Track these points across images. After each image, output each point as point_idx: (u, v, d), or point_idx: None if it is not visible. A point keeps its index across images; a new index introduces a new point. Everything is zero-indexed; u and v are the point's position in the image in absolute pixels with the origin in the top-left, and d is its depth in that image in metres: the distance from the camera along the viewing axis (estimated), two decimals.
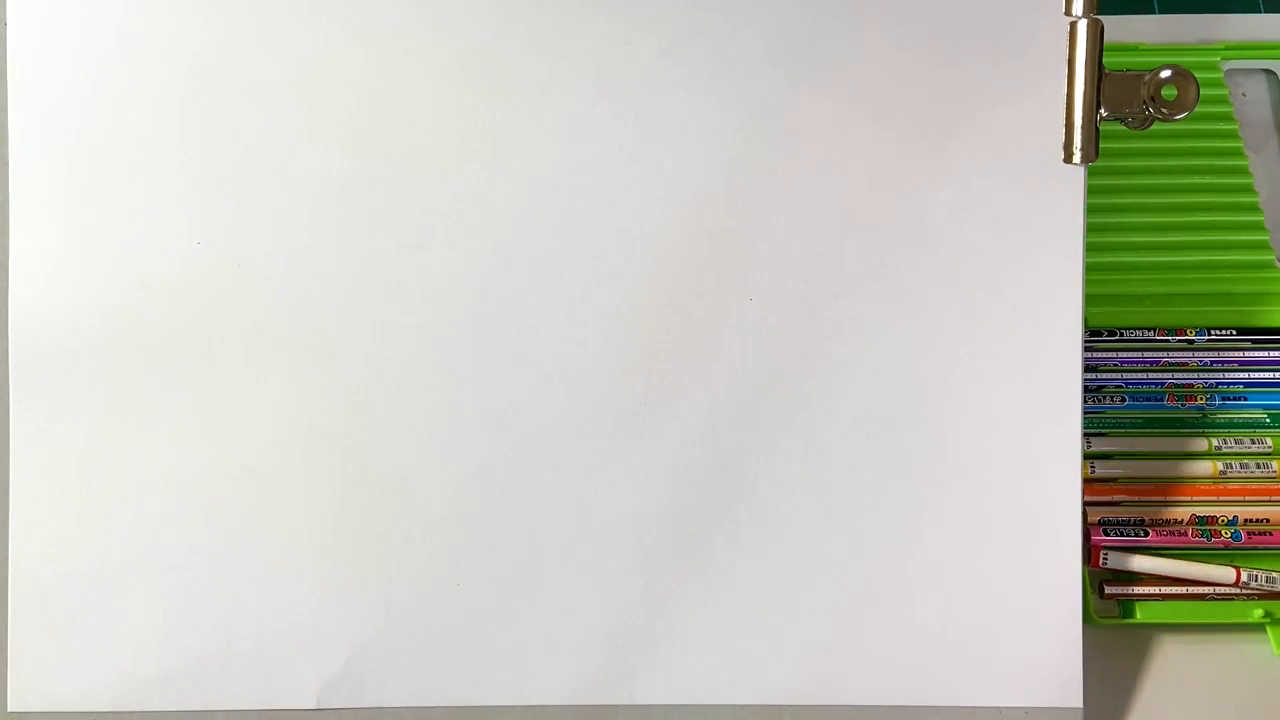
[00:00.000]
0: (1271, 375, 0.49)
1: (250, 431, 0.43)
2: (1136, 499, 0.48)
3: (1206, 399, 0.49)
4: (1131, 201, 0.53)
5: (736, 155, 0.43)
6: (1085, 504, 0.44)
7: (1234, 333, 0.50)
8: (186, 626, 0.43)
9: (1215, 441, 0.48)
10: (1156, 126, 0.42)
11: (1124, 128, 0.42)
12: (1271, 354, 0.50)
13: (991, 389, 0.43)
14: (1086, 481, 0.46)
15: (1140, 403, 0.49)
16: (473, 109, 0.43)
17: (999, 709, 0.43)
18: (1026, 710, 0.43)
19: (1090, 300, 0.44)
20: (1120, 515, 0.48)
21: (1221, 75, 0.52)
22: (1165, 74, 0.42)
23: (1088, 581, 0.45)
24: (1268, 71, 0.54)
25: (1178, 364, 0.49)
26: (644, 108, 0.43)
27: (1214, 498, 0.48)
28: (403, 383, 0.43)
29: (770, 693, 0.43)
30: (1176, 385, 0.49)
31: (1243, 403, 0.49)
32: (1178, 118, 0.41)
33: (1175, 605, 0.46)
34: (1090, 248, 0.43)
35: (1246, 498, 0.47)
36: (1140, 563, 0.46)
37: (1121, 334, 0.50)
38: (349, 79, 0.43)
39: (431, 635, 0.43)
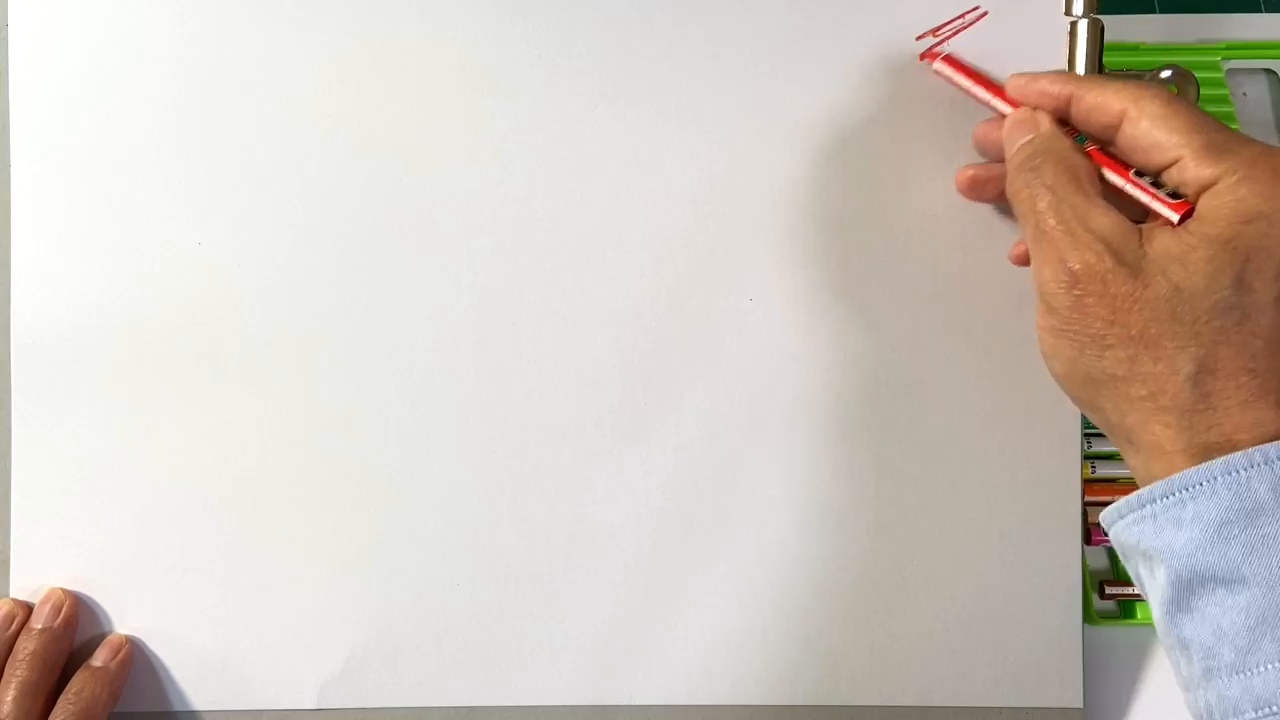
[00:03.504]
0: None
1: (250, 431, 0.43)
2: None
3: None
4: None
5: (737, 155, 0.43)
6: (1085, 504, 0.44)
7: None
8: (186, 626, 0.43)
9: None
10: None
11: None
12: None
13: (991, 389, 0.43)
14: (1086, 481, 0.46)
15: None
16: (473, 109, 0.43)
17: (999, 709, 0.43)
18: (1026, 710, 0.43)
19: None
20: None
21: (1222, 75, 0.52)
22: (1165, 73, 0.42)
23: (1088, 581, 0.45)
24: (1268, 71, 0.54)
25: None
26: (644, 108, 0.43)
27: None
28: (403, 382, 0.43)
29: (770, 693, 0.43)
30: None
31: None
32: None
33: None
34: None
35: None
36: None
37: None
38: (349, 79, 0.43)
39: (431, 635, 0.43)
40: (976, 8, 0.42)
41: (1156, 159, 0.35)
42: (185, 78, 0.43)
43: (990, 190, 0.41)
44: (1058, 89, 0.37)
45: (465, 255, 0.43)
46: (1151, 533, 0.32)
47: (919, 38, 0.42)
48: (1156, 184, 0.35)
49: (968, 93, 0.41)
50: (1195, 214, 0.33)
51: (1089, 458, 0.48)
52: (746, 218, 0.43)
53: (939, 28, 0.42)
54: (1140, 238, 0.34)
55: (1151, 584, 0.34)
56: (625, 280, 0.43)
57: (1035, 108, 0.38)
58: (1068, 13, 0.42)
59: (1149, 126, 0.35)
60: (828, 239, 0.43)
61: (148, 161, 0.43)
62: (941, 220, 0.43)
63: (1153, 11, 0.56)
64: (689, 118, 0.43)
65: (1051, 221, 0.34)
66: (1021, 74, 0.39)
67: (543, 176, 0.43)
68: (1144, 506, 0.33)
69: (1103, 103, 0.36)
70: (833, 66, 0.43)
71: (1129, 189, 0.36)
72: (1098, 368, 0.33)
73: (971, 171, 0.41)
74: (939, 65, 0.41)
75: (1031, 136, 0.37)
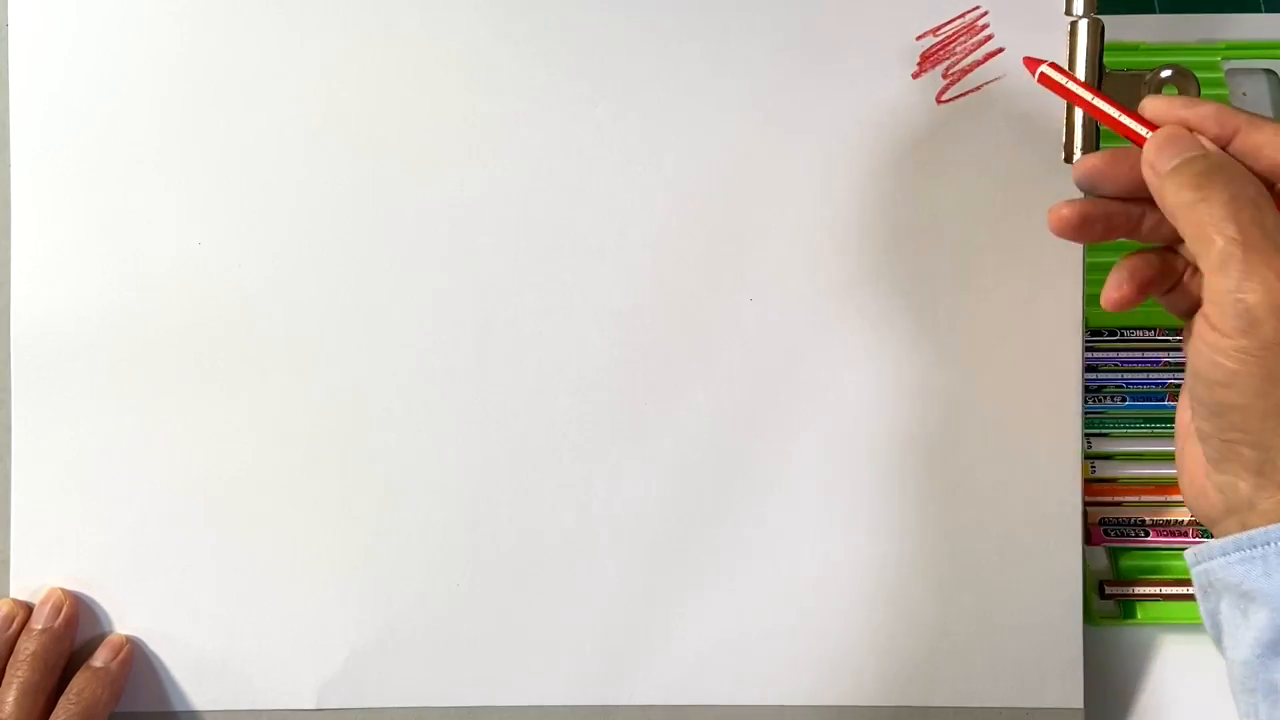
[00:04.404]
0: None
1: (250, 432, 0.43)
2: (1136, 499, 0.48)
3: None
4: None
5: (736, 155, 0.43)
6: (1085, 504, 0.44)
7: None
8: (187, 626, 0.43)
9: None
10: None
11: None
12: None
13: (991, 389, 0.43)
14: (1086, 481, 0.46)
15: (1140, 403, 0.49)
16: (473, 109, 0.43)
17: (999, 709, 0.43)
18: (1026, 710, 0.43)
19: (1090, 300, 0.44)
20: (1120, 515, 0.48)
21: (1222, 75, 0.52)
22: (1166, 73, 0.42)
23: (1088, 581, 0.45)
24: (1268, 71, 0.54)
25: (1178, 364, 0.49)
26: (644, 108, 0.43)
27: None
28: (403, 383, 0.43)
29: (770, 693, 0.43)
30: (1177, 385, 0.49)
31: None
32: None
33: (1175, 605, 0.46)
34: (1090, 247, 0.43)
35: None
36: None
37: (1122, 334, 0.50)
38: (349, 80, 0.43)
39: (431, 635, 0.43)
40: (977, 7, 0.42)
41: None
42: (185, 78, 0.43)
43: (1099, 229, 0.37)
44: (1225, 118, 0.34)
45: (465, 255, 0.43)
46: (1260, 574, 0.31)
47: (919, 37, 0.42)
48: None
49: (1080, 102, 0.38)
50: None
51: (1089, 458, 0.48)
52: (746, 218, 0.43)
53: (939, 27, 0.42)
54: None
55: (1242, 624, 0.33)
56: (625, 280, 0.43)
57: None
58: (1068, 13, 0.42)
59: None
60: (828, 239, 0.43)
61: (148, 161, 0.43)
62: (941, 220, 0.43)
63: (1153, 11, 0.56)
64: (689, 118, 0.43)
65: (1258, 234, 0.31)
66: (1164, 97, 0.36)
67: (543, 176, 0.43)
68: (1256, 547, 0.32)
69: (1277, 141, 0.33)
70: (833, 67, 0.43)
71: None
72: None
73: (1082, 208, 0.36)
74: (1048, 70, 0.38)
75: (1202, 153, 0.34)
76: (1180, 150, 0.34)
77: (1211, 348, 0.32)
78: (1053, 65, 0.38)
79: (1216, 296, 0.32)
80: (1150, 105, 0.36)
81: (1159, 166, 0.34)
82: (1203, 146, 0.34)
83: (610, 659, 0.43)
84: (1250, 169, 0.34)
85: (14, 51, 0.43)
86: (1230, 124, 0.34)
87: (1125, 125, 0.36)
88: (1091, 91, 0.37)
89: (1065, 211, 0.37)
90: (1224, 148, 0.34)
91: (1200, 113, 0.35)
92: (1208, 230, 0.32)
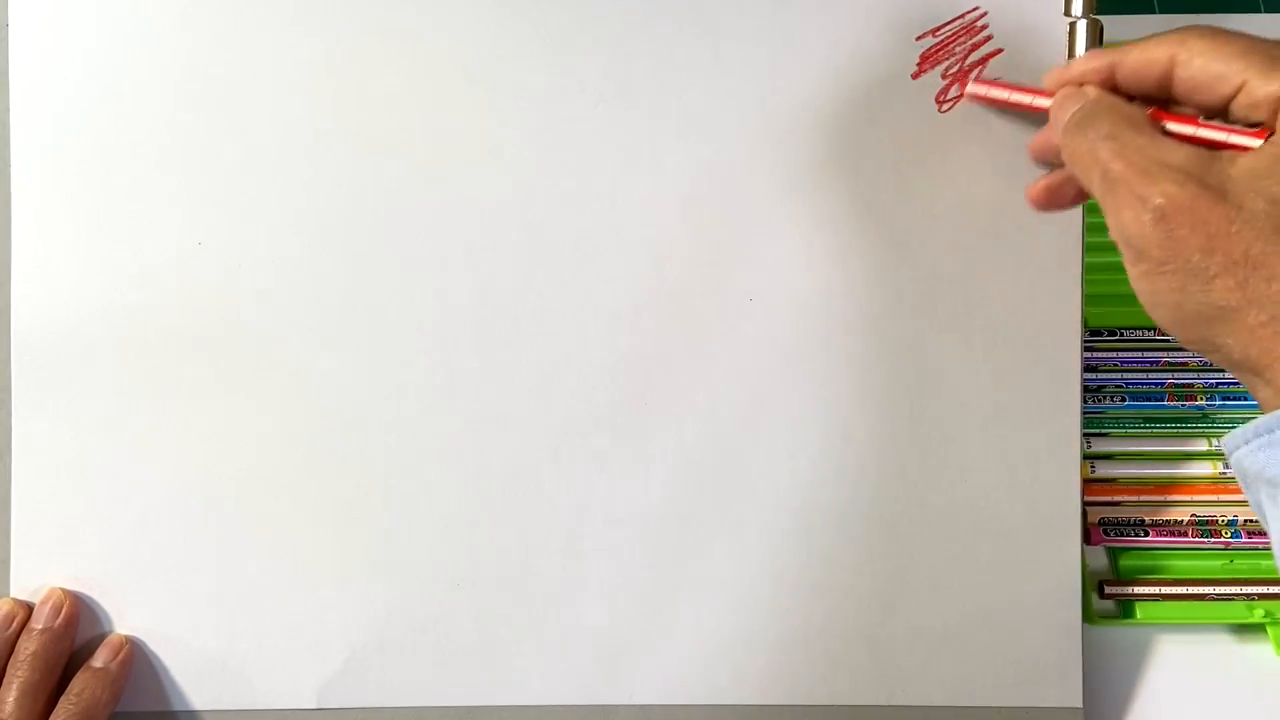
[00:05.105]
0: None
1: (251, 432, 0.43)
2: (1136, 499, 0.48)
3: (1206, 398, 0.49)
4: None
5: (736, 155, 0.43)
6: (1085, 504, 0.44)
7: None
8: (186, 626, 0.43)
9: (1215, 441, 0.48)
10: None
11: None
12: None
13: (992, 389, 0.43)
14: (1086, 481, 0.46)
15: (1140, 402, 0.49)
16: (473, 109, 0.43)
17: (999, 709, 0.43)
18: (1026, 710, 0.43)
19: (1090, 300, 0.44)
20: (1120, 515, 0.48)
21: None
22: None
23: (1088, 581, 0.45)
24: None
25: (1178, 364, 0.49)
26: (644, 108, 0.43)
27: (1214, 497, 0.48)
28: (403, 383, 0.43)
29: (770, 693, 0.43)
30: (1177, 385, 0.49)
31: (1243, 402, 0.49)
32: None
33: (1175, 605, 0.46)
34: (1090, 248, 0.43)
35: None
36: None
37: (1121, 334, 0.50)
38: (350, 81, 0.43)
39: (431, 635, 0.43)
40: (976, 8, 0.42)
41: (1220, 91, 0.34)
42: (185, 78, 0.43)
43: (1067, 195, 0.40)
44: (1098, 62, 0.37)
45: (465, 255, 0.43)
46: (1278, 459, 0.31)
47: (919, 38, 0.42)
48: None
49: (1009, 104, 0.41)
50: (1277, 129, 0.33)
51: (1089, 458, 0.48)
52: (746, 218, 0.43)
53: (939, 28, 0.42)
54: (1220, 163, 0.33)
55: (1273, 511, 0.32)
56: (625, 280, 0.43)
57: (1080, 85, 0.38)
58: (1067, 13, 0.42)
59: (1204, 62, 0.34)
60: (827, 239, 0.43)
61: (149, 161, 0.43)
62: (941, 220, 0.43)
63: (1153, 12, 0.56)
64: (689, 117, 0.43)
65: (1119, 165, 0.33)
66: (1055, 68, 0.39)
67: (543, 176, 0.43)
68: (1272, 432, 0.31)
69: (1147, 57, 0.35)
70: (832, 67, 0.43)
71: (1202, 133, 0.34)
72: (1206, 302, 0.32)
73: (1044, 181, 0.40)
74: (972, 88, 0.42)
75: (1081, 103, 0.36)
76: (1069, 107, 0.37)
77: (1132, 280, 0.34)
78: (977, 83, 0.42)
79: (1111, 235, 0.34)
80: (1046, 79, 0.39)
81: (1059, 128, 0.37)
82: (1085, 97, 0.37)
83: (610, 659, 0.43)
84: (1137, 92, 0.36)
85: (14, 51, 0.43)
86: (1106, 64, 0.37)
87: (1037, 105, 0.40)
88: (1007, 89, 0.41)
89: (1037, 186, 0.41)
90: (1116, 87, 0.37)
91: (1078, 70, 0.38)
92: (1085, 180, 0.35)
